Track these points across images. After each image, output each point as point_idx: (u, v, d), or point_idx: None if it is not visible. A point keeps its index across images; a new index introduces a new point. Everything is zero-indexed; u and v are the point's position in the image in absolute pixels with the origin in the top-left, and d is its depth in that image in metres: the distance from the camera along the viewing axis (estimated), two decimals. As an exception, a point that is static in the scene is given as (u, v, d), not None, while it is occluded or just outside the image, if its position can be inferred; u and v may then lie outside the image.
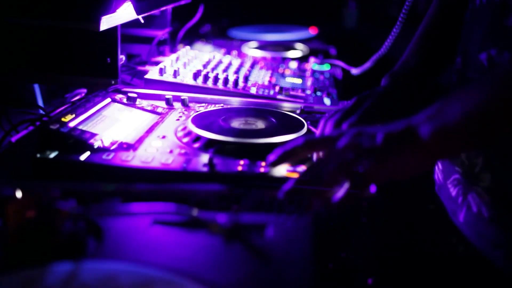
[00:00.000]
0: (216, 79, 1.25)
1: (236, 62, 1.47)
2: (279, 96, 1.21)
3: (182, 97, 1.14)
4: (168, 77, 1.24)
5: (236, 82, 1.25)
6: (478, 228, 0.79)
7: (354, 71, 1.54)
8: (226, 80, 1.25)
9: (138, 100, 1.10)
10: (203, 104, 1.15)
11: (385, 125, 0.65)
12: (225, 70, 1.36)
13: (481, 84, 0.64)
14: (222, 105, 1.14)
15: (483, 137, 0.61)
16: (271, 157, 0.68)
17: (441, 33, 0.96)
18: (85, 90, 1.19)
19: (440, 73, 0.97)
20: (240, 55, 1.67)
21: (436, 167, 0.91)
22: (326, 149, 0.66)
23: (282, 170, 0.78)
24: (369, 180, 0.62)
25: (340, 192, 0.64)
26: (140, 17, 1.08)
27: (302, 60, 1.68)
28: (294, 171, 0.77)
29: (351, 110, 0.85)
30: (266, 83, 1.32)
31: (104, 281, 0.49)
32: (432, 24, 0.97)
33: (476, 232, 0.79)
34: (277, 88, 1.26)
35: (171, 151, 0.85)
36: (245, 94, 1.21)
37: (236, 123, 0.98)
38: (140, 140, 0.90)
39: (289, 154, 0.68)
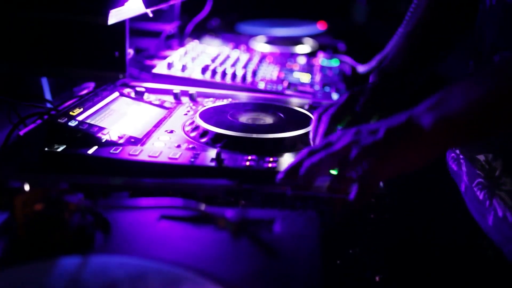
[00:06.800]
0: (224, 73, 1.24)
1: (244, 57, 1.47)
2: (287, 92, 1.21)
3: (190, 92, 1.13)
4: (176, 71, 1.24)
5: (244, 77, 1.24)
6: (505, 233, 0.77)
7: (361, 69, 1.53)
8: (234, 75, 1.24)
9: (146, 94, 1.10)
10: (211, 99, 1.14)
11: (385, 119, 0.64)
12: (233, 65, 1.36)
13: (484, 74, 0.63)
14: (230, 99, 1.14)
15: (486, 126, 0.60)
16: (280, 175, 0.67)
17: (431, 34, 0.94)
18: (93, 84, 1.19)
19: (428, 70, 0.95)
20: (249, 50, 1.66)
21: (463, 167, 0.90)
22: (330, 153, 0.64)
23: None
24: (376, 177, 0.61)
25: (352, 194, 0.62)
26: (149, 10, 1.07)
27: (311, 55, 1.67)
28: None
29: (346, 105, 0.84)
30: (274, 78, 1.31)
31: (134, 277, 0.49)
32: (423, 25, 0.94)
33: (503, 236, 0.77)
34: (285, 83, 1.25)
35: (178, 146, 0.85)
36: (253, 89, 1.21)
37: (244, 118, 0.97)
38: (148, 135, 0.90)
39: (296, 169, 0.65)
